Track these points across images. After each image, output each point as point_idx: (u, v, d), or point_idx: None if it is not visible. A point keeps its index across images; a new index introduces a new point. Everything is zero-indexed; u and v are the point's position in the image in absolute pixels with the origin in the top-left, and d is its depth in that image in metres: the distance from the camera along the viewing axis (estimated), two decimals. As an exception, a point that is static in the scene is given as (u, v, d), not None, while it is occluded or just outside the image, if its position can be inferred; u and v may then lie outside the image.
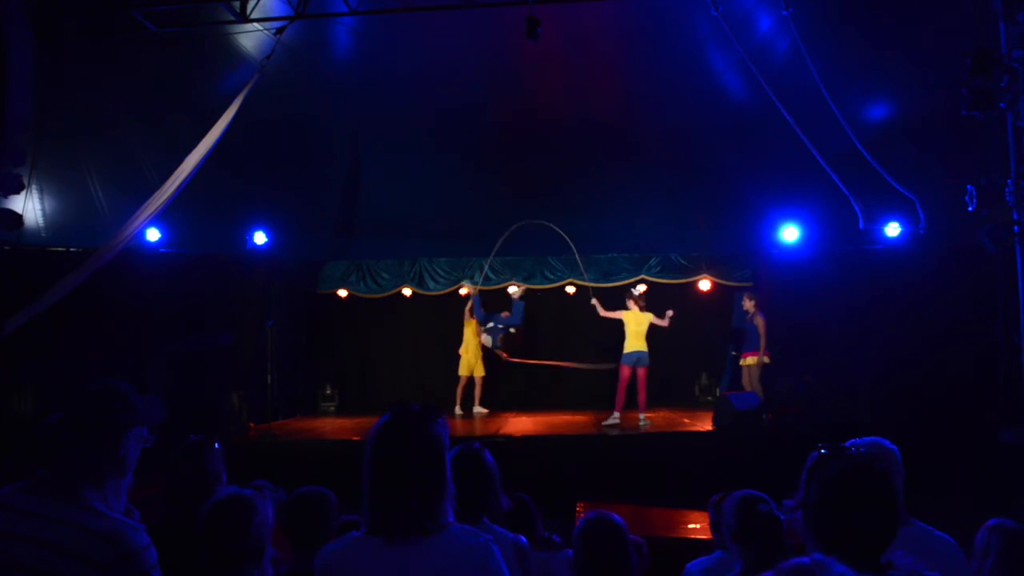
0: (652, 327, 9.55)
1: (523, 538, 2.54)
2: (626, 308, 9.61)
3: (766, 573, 1.15)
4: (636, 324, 9.50)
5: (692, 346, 11.95)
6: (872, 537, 1.61)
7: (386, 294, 11.77)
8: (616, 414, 9.44)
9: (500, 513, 2.56)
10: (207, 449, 2.79)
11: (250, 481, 3.23)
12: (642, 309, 9.58)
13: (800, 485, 1.77)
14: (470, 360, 10.74)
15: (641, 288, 10.11)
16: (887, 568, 1.56)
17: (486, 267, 11.08)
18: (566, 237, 10.16)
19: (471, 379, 10.80)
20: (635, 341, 9.45)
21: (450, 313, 11.39)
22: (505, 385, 11.77)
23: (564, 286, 11.61)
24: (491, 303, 11.22)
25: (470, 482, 1.97)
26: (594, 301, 9.90)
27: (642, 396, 9.44)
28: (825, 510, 1.65)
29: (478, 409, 10.82)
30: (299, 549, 2.71)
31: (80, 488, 1.85)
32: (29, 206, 8.74)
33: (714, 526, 3.35)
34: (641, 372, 9.43)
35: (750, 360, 9.58)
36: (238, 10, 8.04)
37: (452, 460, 1.89)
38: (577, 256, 10.52)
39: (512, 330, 11.00)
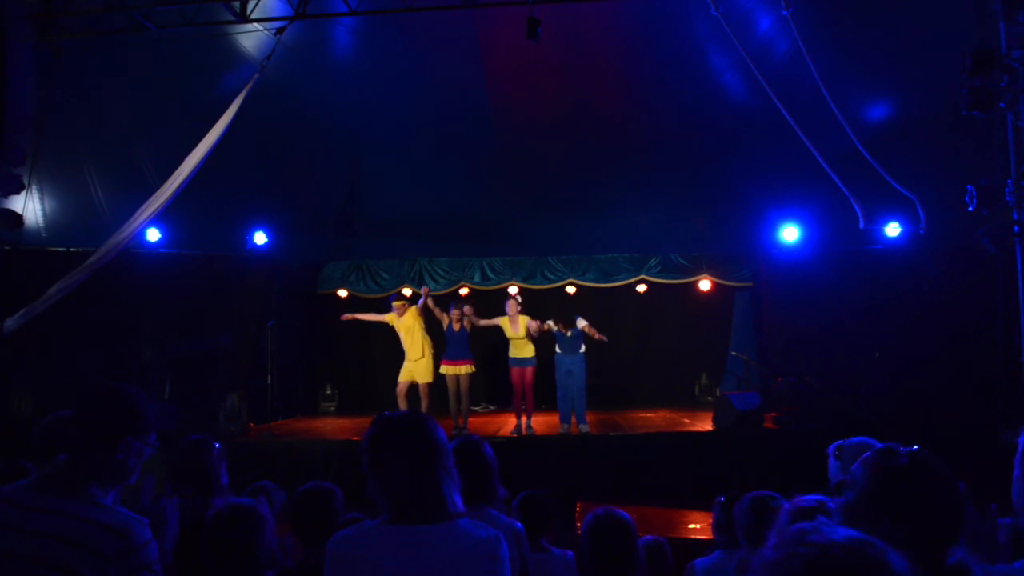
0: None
1: (518, 523, 2.64)
2: (506, 314, 8.84)
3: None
4: (512, 333, 8.79)
5: (692, 346, 11.96)
6: (937, 532, 1.44)
7: (386, 294, 11.72)
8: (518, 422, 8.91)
9: (499, 500, 2.69)
10: (207, 448, 2.80)
11: (251, 481, 3.23)
12: (520, 312, 8.79)
13: (852, 486, 1.58)
14: None
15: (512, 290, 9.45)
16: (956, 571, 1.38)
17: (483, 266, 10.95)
18: None
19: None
20: (515, 348, 8.84)
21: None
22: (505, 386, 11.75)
23: (564, 286, 11.58)
24: (491, 303, 11.18)
25: (470, 471, 2.03)
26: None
27: (529, 399, 8.91)
28: (883, 505, 1.47)
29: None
30: (307, 544, 2.72)
31: (86, 485, 1.88)
32: (29, 206, 8.75)
33: (718, 526, 3.35)
34: (528, 374, 8.84)
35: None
36: (238, 10, 8.03)
37: (453, 451, 1.95)
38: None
39: None
